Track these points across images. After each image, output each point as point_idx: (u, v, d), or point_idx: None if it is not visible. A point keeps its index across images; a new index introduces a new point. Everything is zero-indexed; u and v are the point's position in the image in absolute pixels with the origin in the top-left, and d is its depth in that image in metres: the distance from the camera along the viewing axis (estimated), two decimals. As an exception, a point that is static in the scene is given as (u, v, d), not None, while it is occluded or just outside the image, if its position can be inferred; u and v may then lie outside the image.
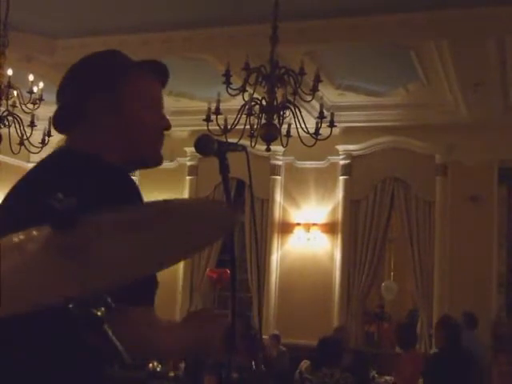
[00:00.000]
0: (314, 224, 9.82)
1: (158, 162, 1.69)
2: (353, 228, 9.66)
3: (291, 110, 5.81)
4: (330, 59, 7.73)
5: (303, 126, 5.81)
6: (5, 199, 1.54)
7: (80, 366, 1.36)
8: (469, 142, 9.14)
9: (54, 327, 1.31)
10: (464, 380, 5.10)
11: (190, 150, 9.74)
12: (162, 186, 10.40)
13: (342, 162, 9.84)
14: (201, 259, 10.19)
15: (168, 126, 1.71)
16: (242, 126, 5.79)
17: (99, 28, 7.35)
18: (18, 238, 1.14)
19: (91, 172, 1.46)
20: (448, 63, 7.35)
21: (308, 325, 9.06)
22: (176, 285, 10.07)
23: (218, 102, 6.08)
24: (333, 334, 7.15)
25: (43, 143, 7.07)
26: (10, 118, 6.81)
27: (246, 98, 5.76)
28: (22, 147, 7.13)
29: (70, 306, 1.06)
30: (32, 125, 6.98)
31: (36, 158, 6.39)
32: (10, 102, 6.68)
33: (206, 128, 5.51)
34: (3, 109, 6.74)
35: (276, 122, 5.69)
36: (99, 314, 1.05)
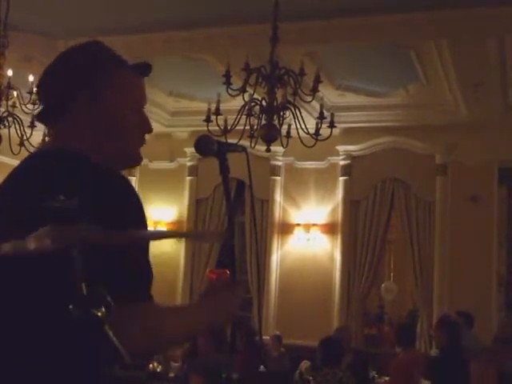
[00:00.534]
0: (314, 224, 9.82)
1: (137, 162, 1.66)
2: (353, 228, 9.66)
3: (291, 110, 5.81)
4: (330, 59, 7.73)
5: (303, 126, 5.81)
6: None
7: (80, 366, 1.36)
8: (469, 142, 9.14)
9: (54, 327, 1.31)
10: (466, 379, 5.09)
11: (190, 150, 9.73)
12: (161, 186, 10.41)
13: (342, 163, 9.84)
14: (201, 260, 10.19)
15: (149, 130, 1.65)
16: (242, 127, 5.79)
17: (100, 28, 7.33)
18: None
19: (86, 173, 1.44)
20: (448, 63, 7.36)
21: (308, 325, 9.06)
22: (176, 285, 10.06)
23: (218, 102, 6.08)
24: (335, 333, 7.15)
25: (43, 144, 7.07)
26: (9, 119, 6.80)
27: (246, 99, 5.76)
28: (22, 148, 7.12)
29: (70, 306, 1.06)
30: (32, 125, 6.97)
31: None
32: (9, 103, 6.67)
33: (205, 128, 5.51)
34: (3, 109, 6.73)
35: (276, 122, 5.69)
36: (99, 314, 1.05)
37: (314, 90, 5.69)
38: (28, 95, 6.66)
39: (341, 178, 9.83)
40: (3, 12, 6.20)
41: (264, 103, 5.72)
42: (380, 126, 9.43)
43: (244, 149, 1.79)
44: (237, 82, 5.82)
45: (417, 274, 9.27)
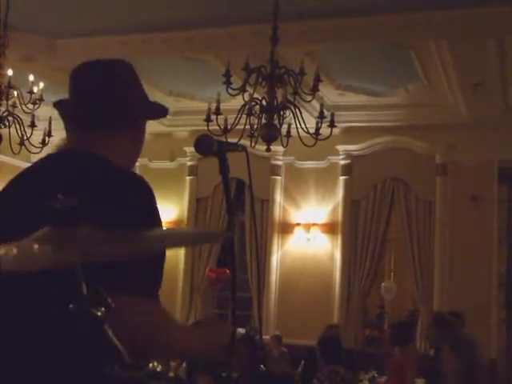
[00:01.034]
0: (314, 224, 9.82)
1: None
2: (353, 228, 9.66)
3: (291, 110, 5.81)
4: (330, 59, 7.73)
5: (303, 126, 5.81)
6: (8, 196, 1.54)
7: (80, 366, 1.36)
8: (469, 142, 9.14)
9: (54, 327, 1.31)
10: None
11: (190, 149, 9.73)
12: (161, 186, 10.40)
13: (342, 162, 9.84)
14: (201, 259, 10.20)
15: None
16: (242, 126, 5.78)
17: (99, 28, 7.34)
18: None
19: (120, 179, 1.52)
20: (448, 63, 7.35)
21: (308, 325, 9.05)
22: (176, 285, 10.07)
23: (218, 102, 6.08)
24: (325, 332, 7.11)
25: (43, 143, 7.07)
26: (10, 119, 6.80)
27: (246, 98, 5.76)
28: (23, 147, 7.13)
29: (71, 306, 1.07)
30: (32, 125, 6.98)
31: (36, 159, 6.38)
32: (10, 103, 6.67)
33: (206, 128, 5.51)
34: (3, 109, 6.73)
35: (276, 122, 5.69)
36: (99, 314, 1.06)
37: (314, 90, 5.68)
38: (28, 95, 6.66)
39: (341, 178, 9.83)
40: (3, 12, 6.20)
41: (264, 103, 5.72)
42: (380, 126, 9.43)
43: (244, 148, 1.80)
44: (237, 82, 5.82)
45: (417, 273, 9.28)
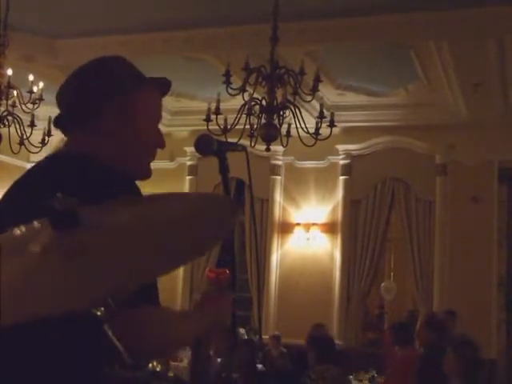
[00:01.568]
0: (314, 224, 9.82)
1: (147, 175, 1.70)
2: (353, 228, 9.66)
3: (291, 109, 5.81)
4: (330, 59, 7.73)
5: (303, 125, 5.81)
6: (4, 199, 1.54)
7: (80, 366, 1.36)
8: (469, 142, 9.14)
9: (53, 327, 1.31)
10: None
11: (190, 149, 9.73)
12: (161, 186, 10.39)
13: (341, 162, 9.84)
14: (201, 259, 10.19)
15: (163, 145, 1.73)
16: (242, 126, 5.78)
17: (99, 28, 7.34)
18: (19, 231, 1.14)
19: (107, 180, 1.48)
20: (448, 63, 7.35)
21: (308, 325, 9.02)
22: (176, 285, 10.07)
23: (218, 101, 6.08)
24: (314, 330, 7.10)
25: (43, 143, 7.07)
26: (9, 118, 6.80)
27: (246, 98, 5.76)
28: (22, 147, 7.13)
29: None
30: (32, 125, 6.98)
31: (36, 158, 6.38)
32: (9, 102, 6.68)
33: (205, 128, 5.51)
34: (3, 109, 6.73)
35: (276, 121, 5.69)
36: (99, 313, 1.05)
37: (314, 90, 5.68)
38: (28, 94, 6.66)
39: (341, 178, 9.83)
40: (3, 12, 6.20)
41: (264, 102, 5.72)
42: (380, 126, 9.43)
43: (244, 148, 1.80)
44: (237, 82, 5.82)
45: (417, 273, 9.27)
